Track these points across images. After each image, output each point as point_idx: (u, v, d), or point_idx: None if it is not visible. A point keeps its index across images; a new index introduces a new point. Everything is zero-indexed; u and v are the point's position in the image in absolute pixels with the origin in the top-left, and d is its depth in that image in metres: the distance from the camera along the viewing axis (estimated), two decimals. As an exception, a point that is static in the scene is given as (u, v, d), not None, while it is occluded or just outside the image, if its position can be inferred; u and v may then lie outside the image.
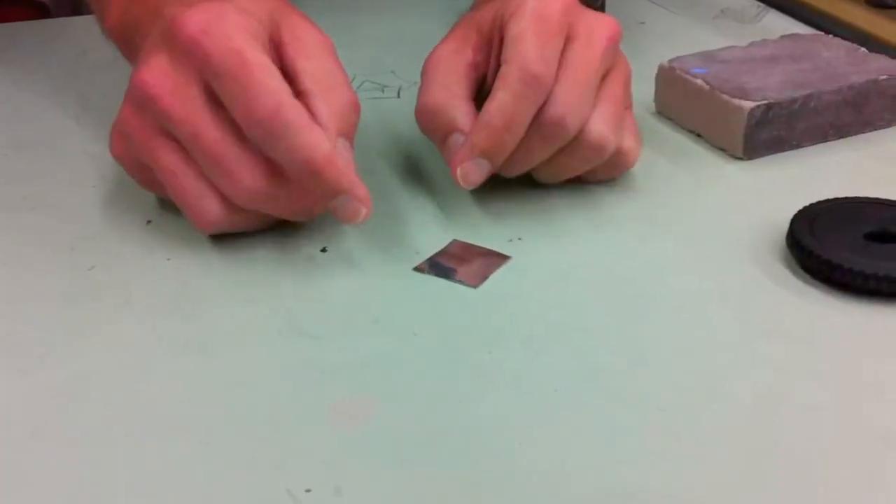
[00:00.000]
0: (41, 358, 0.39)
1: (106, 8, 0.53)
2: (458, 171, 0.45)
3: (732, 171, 0.52)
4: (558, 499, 0.32)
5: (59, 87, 0.64)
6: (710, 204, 0.49)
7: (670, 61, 0.57)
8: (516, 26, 0.44)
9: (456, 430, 0.35)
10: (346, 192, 0.41)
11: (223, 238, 0.45)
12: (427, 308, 0.42)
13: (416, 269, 0.44)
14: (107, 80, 0.61)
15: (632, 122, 0.49)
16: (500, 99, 0.43)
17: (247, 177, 0.41)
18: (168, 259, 0.45)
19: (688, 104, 0.56)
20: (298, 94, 0.43)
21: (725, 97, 0.53)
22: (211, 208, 0.43)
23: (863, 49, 0.59)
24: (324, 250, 0.45)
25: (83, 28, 0.73)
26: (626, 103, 0.49)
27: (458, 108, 0.46)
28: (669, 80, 0.57)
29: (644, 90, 0.58)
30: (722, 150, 0.54)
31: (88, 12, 0.63)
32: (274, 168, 0.42)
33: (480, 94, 0.48)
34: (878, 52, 0.58)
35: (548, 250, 0.45)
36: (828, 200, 0.46)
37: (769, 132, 0.53)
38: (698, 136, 0.56)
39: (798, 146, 0.54)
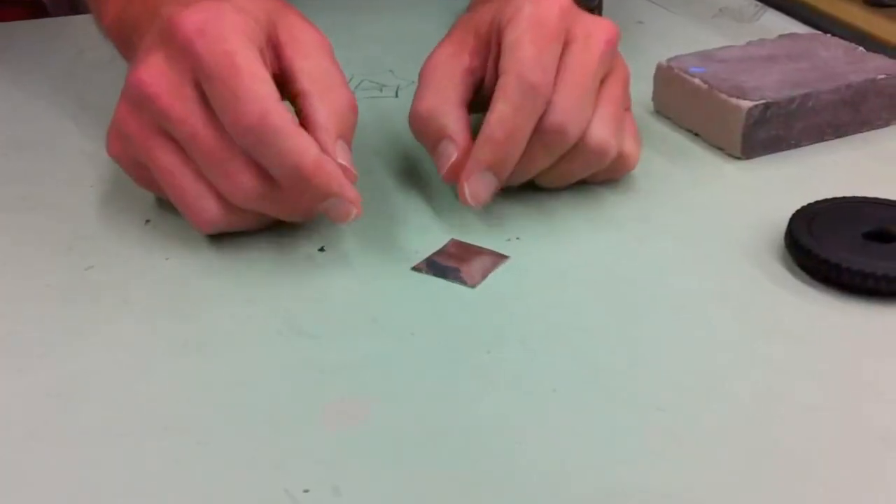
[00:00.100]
0: (40, 358, 0.39)
1: (103, 6, 0.53)
2: (466, 190, 0.44)
3: (730, 171, 0.52)
4: (557, 499, 0.32)
5: (57, 86, 0.64)
6: (709, 203, 0.49)
7: (668, 60, 0.57)
8: (513, 33, 0.44)
9: (455, 429, 0.35)
10: (336, 195, 0.41)
11: (222, 238, 0.45)
12: (425, 308, 0.42)
13: (414, 268, 0.44)
14: (105, 80, 0.61)
15: (632, 125, 0.49)
16: (501, 111, 0.43)
17: (244, 177, 0.41)
18: (166, 259, 0.45)
19: (686, 103, 0.56)
20: (296, 94, 0.43)
21: (723, 96, 0.53)
22: (209, 208, 0.43)
23: (861, 48, 0.59)
24: (321, 249, 0.45)
25: (81, 27, 0.73)
26: (626, 105, 0.49)
27: (449, 114, 0.46)
28: (667, 80, 0.57)
29: (642, 89, 0.58)
30: (720, 149, 0.54)
31: (86, 11, 0.63)
32: (271, 169, 0.42)
33: (478, 97, 0.48)
34: (876, 51, 0.58)
35: (546, 250, 0.45)
36: (826, 200, 0.46)
37: (767, 131, 0.53)
38: (696, 135, 0.56)
39: (796, 145, 0.54)
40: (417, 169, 0.52)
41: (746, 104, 0.52)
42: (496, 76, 0.44)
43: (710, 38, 0.69)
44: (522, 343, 0.39)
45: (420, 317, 0.41)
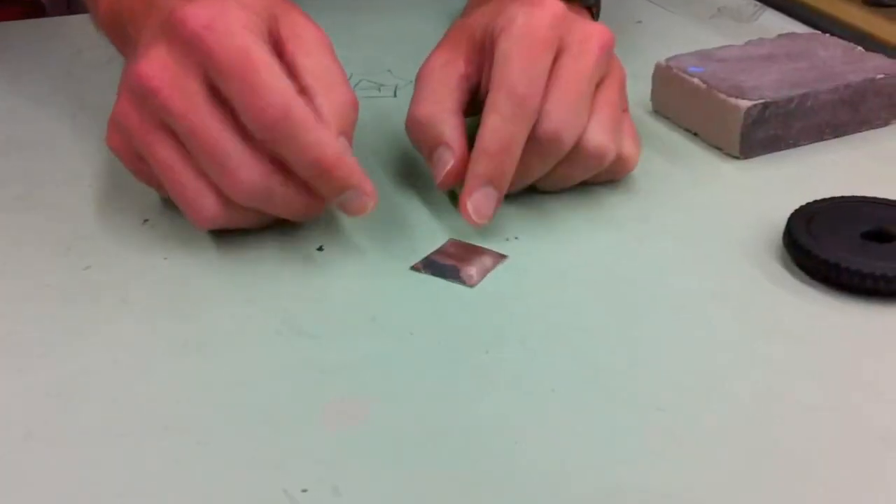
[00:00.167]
0: (39, 358, 0.39)
1: None
2: (469, 206, 0.44)
3: (729, 171, 0.53)
4: (557, 499, 0.32)
5: (55, 86, 0.63)
6: (708, 203, 0.50)
7: (667, 60, 0.57)
8: (504, 44, 0.45)
9: (454, 429, 0.35)
10: (356, 187, 0.42)
11: (221, 237, 0.45)
12: (424, 307, 0.42)
13: (413, 268, 0.44)
14: (102, 79, 0.61)
15: (630, 126, 0.49)
16: (492, 123, 0.44)
17: (245, 174, 0.41)
18: (165, 258, 0.45)
19: (684, 103, 0.56)
20: (298, 90, 0.43)
21: (722, 96, 0.53)
22: (208, 205, 0.43)
23: (859, 48, 0.59)
24: (321, 249, 0.45)
25: (79, 27, 0.73)
26: (623, 107, 0.49)
27: (445, 121, 0.46)
28: (666, 79, 0.57)
29: (641, 89, 0.58)
30: (718, 149, 0.54)
31: (84, 11, 0.63)
32: (272, 166, 0.42)
33: (474, 102, 0.48)
34: (874, 51, 0.59)
35: (545, 249, 0.45)
36: (825, 199, 0.46)
37: (766, 131, 0.53)
38: (695, 134, 0.56)
39: (795, 145, 0.54)
40: (416, 168, 0.52)
41: (745, 104, 0.52)
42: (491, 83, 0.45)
43: (708, 38, 0.69)
44: (522, 343, 0.39)
45: (419, 317, 0.41)
